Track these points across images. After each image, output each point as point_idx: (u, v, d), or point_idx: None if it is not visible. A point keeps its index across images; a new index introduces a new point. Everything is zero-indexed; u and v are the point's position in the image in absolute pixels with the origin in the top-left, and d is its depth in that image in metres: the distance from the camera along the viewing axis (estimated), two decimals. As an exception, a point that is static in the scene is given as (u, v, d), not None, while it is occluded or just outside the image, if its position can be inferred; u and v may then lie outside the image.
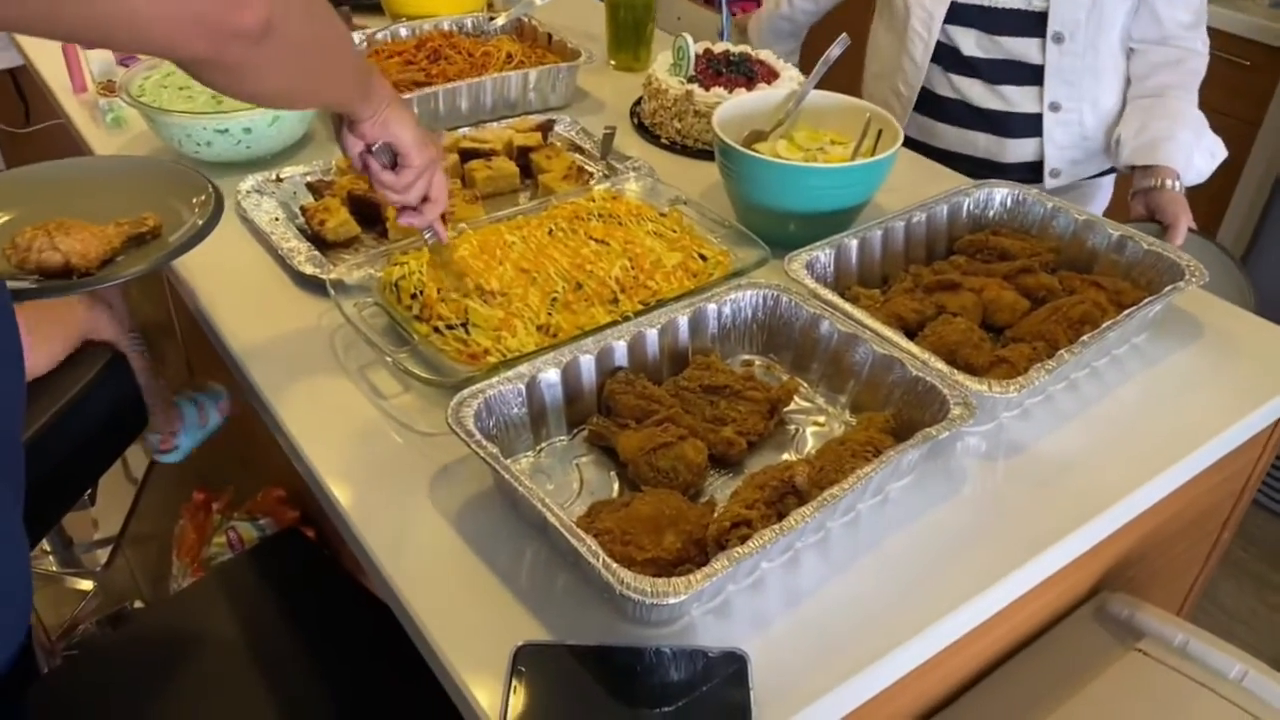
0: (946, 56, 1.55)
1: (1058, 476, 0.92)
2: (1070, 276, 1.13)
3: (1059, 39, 1.47)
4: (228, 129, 1.30)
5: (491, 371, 0.91)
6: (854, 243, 1.12)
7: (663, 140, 1.49)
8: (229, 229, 1.23)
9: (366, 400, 0.98)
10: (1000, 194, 1.23)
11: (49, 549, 2.08)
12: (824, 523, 0.83)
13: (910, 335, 0.99)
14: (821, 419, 0.98)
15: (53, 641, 1.91)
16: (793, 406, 0.97)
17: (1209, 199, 2.36)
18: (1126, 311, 1.01)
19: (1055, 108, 1.52)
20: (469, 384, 0.88)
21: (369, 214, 1.24)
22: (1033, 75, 1.51)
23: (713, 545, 0.77)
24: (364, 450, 0.93)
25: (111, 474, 1.72)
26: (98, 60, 1.53)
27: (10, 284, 0.95)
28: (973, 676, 0.95)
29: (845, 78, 1.45)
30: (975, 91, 1.56)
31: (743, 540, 0.73)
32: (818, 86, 1.29)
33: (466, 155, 1.36)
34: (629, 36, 1.72)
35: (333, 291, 1.04)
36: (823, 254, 1.08)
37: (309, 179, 1.30)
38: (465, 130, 1.42)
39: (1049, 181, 1.58)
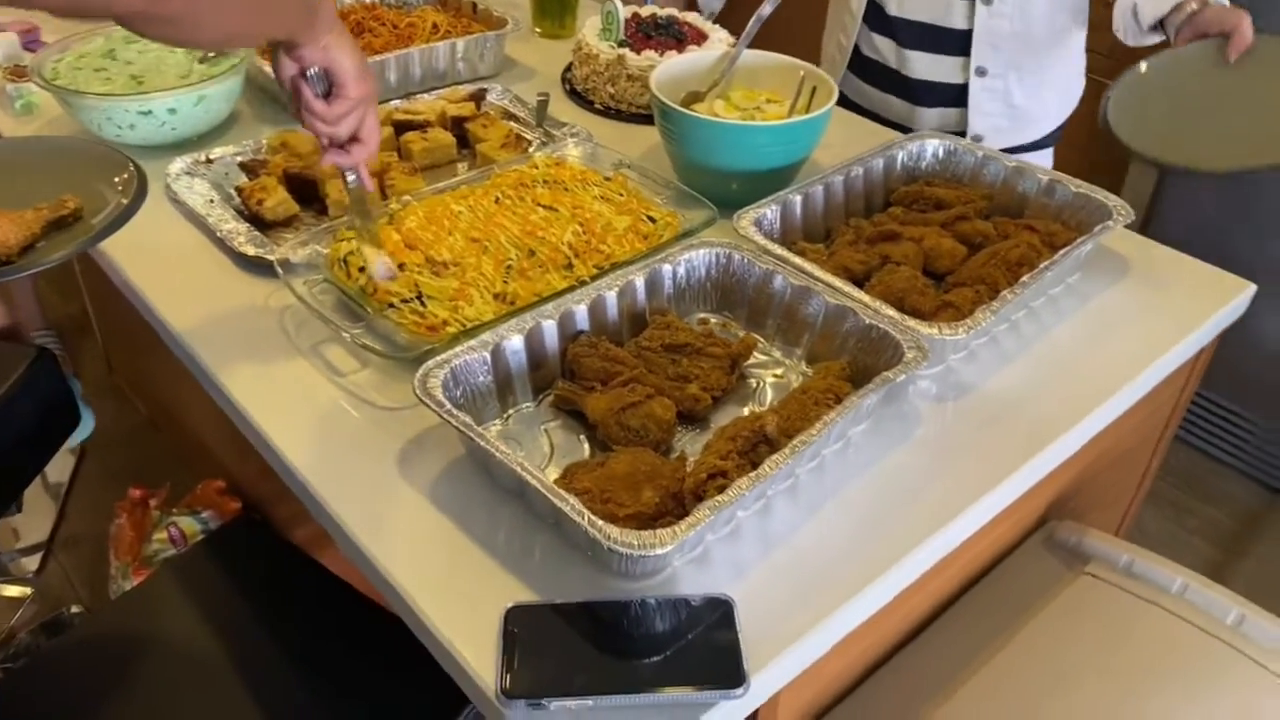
0: (873, 15, 1.54)
1: (1005, 414, 0.96)
2: (1004, 222, 1.17)
3: (988, 0, 1.44)
4: (151, 110, 1.25)
5: (452, 342, 0.91)
6: (798, 199, 1.14)
7: (596, 105, 1.49)
8: (161, 213, 1.19)
9: (324, 378, 0.97)
10: (932, 145, 1.26)
11: (-29, 560, 2.00)
12: (794, 469, 0.85)
13: (858, 285, 1.02)
14: (779, 371, 1.00)
15: (-10, 654, 1.84)
16: (751, 360, 0.99)
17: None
18: (1062, 251, 1.05)
19: (981, 72, 1.49)
20: (430, 356, 0.87)
21: (306, 192, 1.21)
22: (956, 43, 1.48)
23: (690, 497, 0.78)
24: (327, 429, 0.92)
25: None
26: (2, 44, 1.46)
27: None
28: (936, 610, 0.99)
29: (785, 38, 1.45)
30: (891, 54, 1.54)
31: (720, 490, 0.75)
32: (751, 46, 1.31)
33: (400, 128, 1.34)
34: (553, 4, 1.71)
35: (281, 271, 1.02)
36: (769, 211, 1.10)
37: (240, 159, 1.27)
38: (396, 103, 1.40)
39: None
